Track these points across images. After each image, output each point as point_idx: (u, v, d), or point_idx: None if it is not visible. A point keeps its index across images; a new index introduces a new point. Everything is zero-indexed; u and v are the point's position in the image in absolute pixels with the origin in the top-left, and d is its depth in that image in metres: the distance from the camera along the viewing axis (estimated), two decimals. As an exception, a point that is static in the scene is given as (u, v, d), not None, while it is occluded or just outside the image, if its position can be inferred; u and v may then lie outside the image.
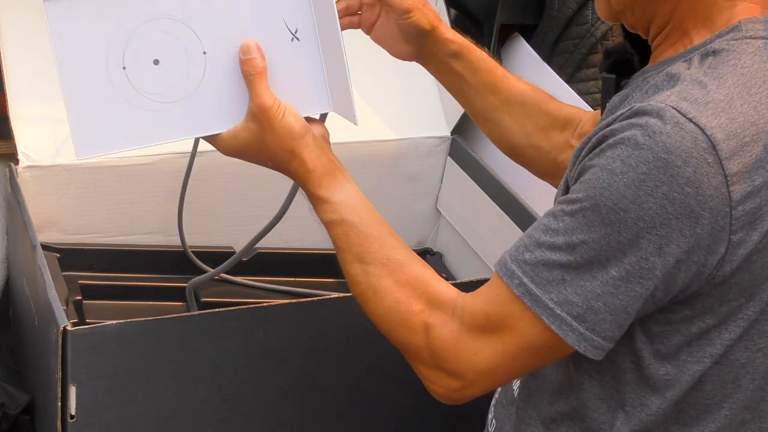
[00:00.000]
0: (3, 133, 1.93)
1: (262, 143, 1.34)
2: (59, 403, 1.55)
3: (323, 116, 1.40)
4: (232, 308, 1.60)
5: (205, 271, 1.95)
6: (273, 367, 1.65)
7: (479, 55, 1.59)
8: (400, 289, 1.29)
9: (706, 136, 1.14)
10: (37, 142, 1.91)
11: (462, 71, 1.58)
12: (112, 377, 1.56)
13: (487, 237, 2.07)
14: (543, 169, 1.63)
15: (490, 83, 1.60)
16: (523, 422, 1.37)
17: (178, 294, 1.95)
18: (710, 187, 1.15)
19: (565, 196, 1.21)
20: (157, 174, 1.95)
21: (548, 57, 2.10)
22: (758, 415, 1.30)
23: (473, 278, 1.74)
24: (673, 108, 1.15)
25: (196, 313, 1.57)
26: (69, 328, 1.51)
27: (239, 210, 2.04)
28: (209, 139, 1.38)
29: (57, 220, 1.95)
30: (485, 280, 1.73)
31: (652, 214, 1.15)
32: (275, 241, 1.89)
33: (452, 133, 2.17)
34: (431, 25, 1.53)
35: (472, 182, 2.10)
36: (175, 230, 1.89)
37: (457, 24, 2.17)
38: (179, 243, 1.91)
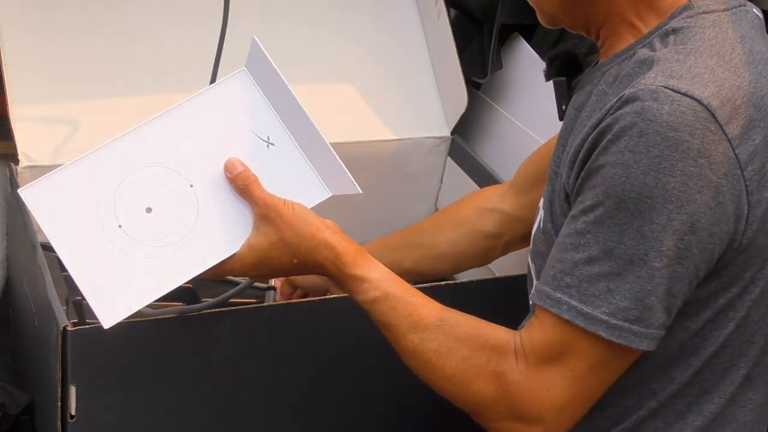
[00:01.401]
0: (3, 133, 1.93)
1: (282, 241, 1.34)
2: (59, 403, 1.55)
3: None
4: (232, 308, 1.60)
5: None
6: (273, 367, 1.65)
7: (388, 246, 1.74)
8: (462, 345, 1.27)
9: (704, 106, 1.16)
10: (37, 142, 1.91)
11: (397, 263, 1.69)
12: (112, 377, 1.56)
13: (487, 237, 2.07)
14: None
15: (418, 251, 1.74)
16: None
17: (178, 294, 1.95)
18: (719, 153, 1.16)
19: (580, 208, 1.20)
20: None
21: (548, 57, 2.10)
22: (763, 370, 1.31)
23: (473, 278, 1.74)
24: (665, 87, 1.17)
25: (196, 313, 1.57)
26: (69, 328, 1.51)
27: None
28: (223, 268, 1.38)
29: (57, 220, 1.95)
30: (486, 281, 1.74)
31: (677, 193, 1.15)
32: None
33: (452, 133, 2.17)
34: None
35: (472, 182, 2.10)
36: (175, 230, 1.89)
37: (457, 24, 2.17)
38: (179, 243, 1.91)
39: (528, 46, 2.10)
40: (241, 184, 1.37)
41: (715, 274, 1.22)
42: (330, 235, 1.34)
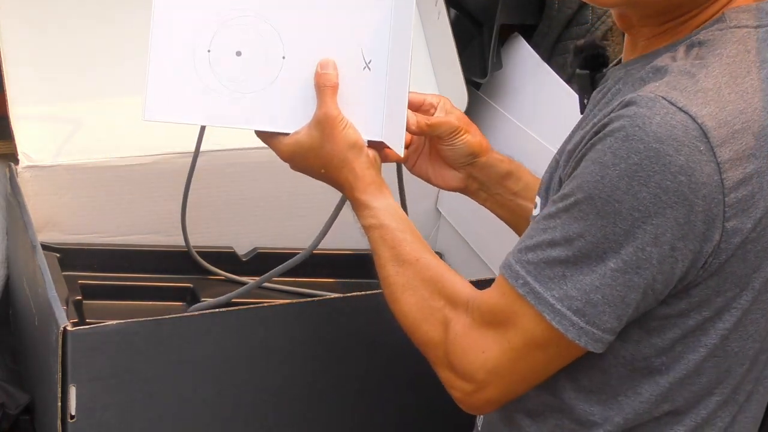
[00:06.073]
0: (3, 133, 1.93)
1: (320, 149, 1.42)
2: (59, 403, 1.55)
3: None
4: (232, 308, 1.60)
5: (208, 271, 1.95)
6: (273, 367, 1.65)
7: (526, 170, 1.60)
8: (425, 286, 1.34)
9: (698, 124, 1.15)
10: (37, 142, 1.91)
11: (516, 188, 1.60)
12: (112, 377, 1.56)
13: (487, 237, 2.07)
14: None
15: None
16: (509, 412, 1.36)
17: (178, 294, 1.95)
18: (703, 174, 1.15)
19: (558, 194, 1.22)
20: (157, 174, 1.95)
21: (548, 57, 2.10)
22: (740, 394, 1.30)
23: (473, 278, 1.74)
24: (663, 98, 1.16)
25: (196, 313, 1.57)
26: (69, 328, 1.51)
27: (239, 210, 2.04)
28: (268, 138, 1.46)
29: (57, 220, 1.95)
30: (486, 281, 1.73)
31: (646, 203, 1.15)
32: (275, 241, 1.89)
33: (452, 133, 2.16)
34: (481, 146, 1.56)
35: (472, 182, 2.09)
36: (175, 230, 1.89)
37: (457, 24, 2.17)
38: (179, 243, 1.91)
39: (528, 46, 2.10)
40: (320, 83, 1.44)
41: (684, 293, 1.22)
42: (359, 163, 1.42)
